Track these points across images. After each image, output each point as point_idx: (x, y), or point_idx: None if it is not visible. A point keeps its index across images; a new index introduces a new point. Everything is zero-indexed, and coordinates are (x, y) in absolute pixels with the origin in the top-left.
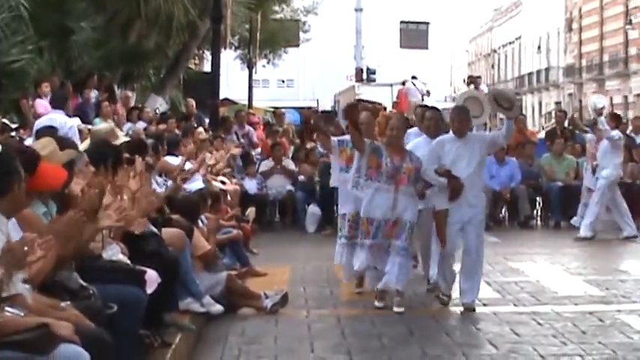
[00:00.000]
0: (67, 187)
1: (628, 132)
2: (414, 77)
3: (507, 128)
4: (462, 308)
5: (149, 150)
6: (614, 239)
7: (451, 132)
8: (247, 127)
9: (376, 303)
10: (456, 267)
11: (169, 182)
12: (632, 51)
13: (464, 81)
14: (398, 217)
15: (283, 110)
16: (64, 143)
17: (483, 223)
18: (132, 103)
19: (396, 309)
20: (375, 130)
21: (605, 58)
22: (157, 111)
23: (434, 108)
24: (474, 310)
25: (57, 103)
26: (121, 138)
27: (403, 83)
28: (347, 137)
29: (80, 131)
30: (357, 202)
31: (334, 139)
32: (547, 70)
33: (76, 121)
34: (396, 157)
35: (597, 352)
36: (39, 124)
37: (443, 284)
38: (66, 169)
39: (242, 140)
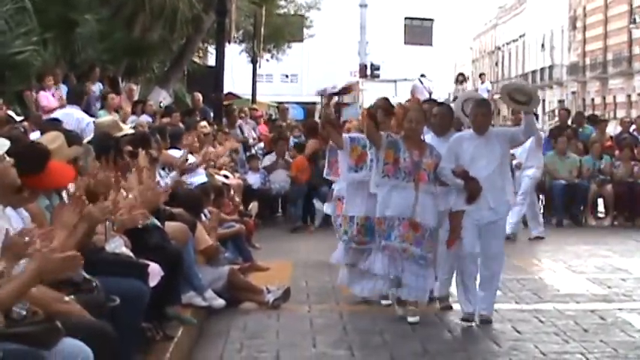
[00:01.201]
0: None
1: (631, 131)
2: (422, 75)
3: (527, 124)
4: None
5: (152, 143)
6: (615, 239)
7: (471, 129)
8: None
9: (399, 310)
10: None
11: (172, 174)
12: (636, 50)
13: (456, 79)
14: (417, 220)
15: (287, 105)
16: (71, 138)
17: (504, 229)
18: (136, 96)
19: (410, 319)
20: (391, 123)
21: (609, 56)
22: (161, 104)
23: (442, 103)
24: (491, 322)
25: (74, 99)
26: (125, 130)
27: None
28: (359, 135)
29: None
30: (369, 205)
31: (346, 135)
32: (551, 68)
33: (88, 117)
34: (415, 151)
35: (599, 350)
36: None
37: (463, 299)
38: (72, 164)
39: (246, 135)
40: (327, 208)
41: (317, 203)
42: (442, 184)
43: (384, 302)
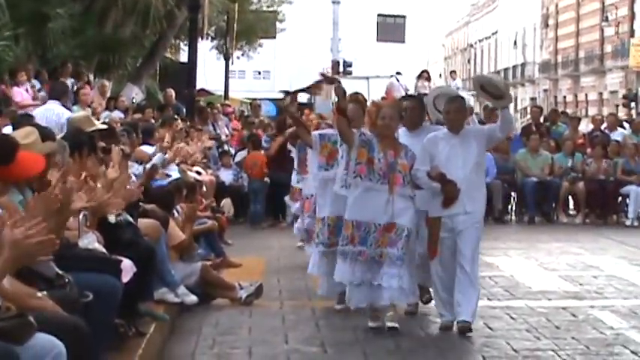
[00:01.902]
0: (44, 175)
1: (603, 128)
2: (398, 73)
3: (503, 119)
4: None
5: (120, 138)
6: (586, 236)
7: (445, 127)
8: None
9: (370, 323)
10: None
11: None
12: (608, 48)
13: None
14: (392, 221)
15: (259, 102)
16: (45, 134)
17: (480, 230)
18: (109, 93)
19: (388, 324)
20: (363, 121)
21: (581, 54)
22: (134, 100)
23: (412, 96)
24: (471, 330)
25: (55, 94)
26: (97, 125)
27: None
28: (329, 131)
29: None
30: (339, 204)
31: (315, 132)
32: (523, 65)
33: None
34: (390, 151)
35: (570, 347)
36: (37, 113)
37: (441, 306)
38: (45, 158)
39: (218, 131)
40: (288, 202)
41: (288, 200)
42: (417, 187)
43: (371, 325)
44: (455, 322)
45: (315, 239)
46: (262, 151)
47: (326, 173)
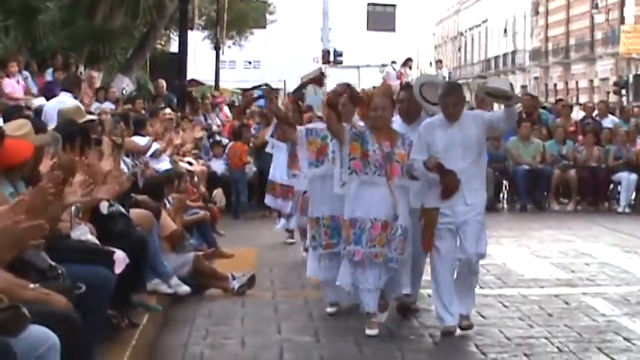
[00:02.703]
0: (37, 167)
1: (594, 116)
2: (393, 62)
3: (509, 115)
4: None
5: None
6: (578, 223)
7: (441, 114)
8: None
9: (368, 331)
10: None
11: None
12: (598, 35)
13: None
14: (393, 215)
15: (251, 92)
16: (37, 126)
17: (482, 224)
18: (98, 84)
19: (368, 331)
20: (354, 114)
21: (572, 41)
22: (124, 91)
23: (408, 85)
24: (471, 327)
25: (67, 86)
26: (87, 117)
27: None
28: (316, 125)
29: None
30: (334, 203)
31: (301, 128)
32: (513, 53)
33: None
34: (385, 142)
35: (563, 334)
36: (49, 106)
37: (441, 310)
38: (37, 152)
39: (209, 122)
40: (267, 199)
41: (268, 201)
42: (413, 178)
43: (369, 332)
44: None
45: (310, 241)
46: (250, 140)
47: (316, 170)
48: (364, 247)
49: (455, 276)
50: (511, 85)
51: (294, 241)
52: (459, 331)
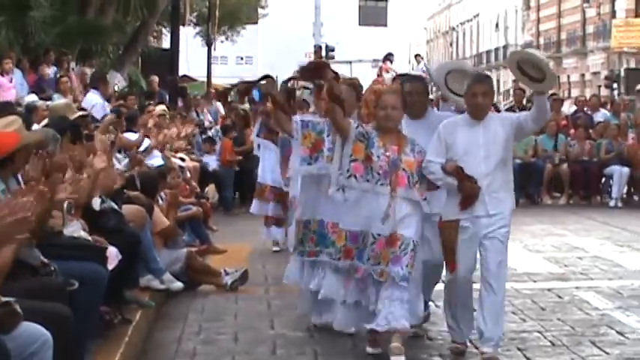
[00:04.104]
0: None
1: (586, 110)
2: (390, 54)
3: (538, 107)
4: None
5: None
6: (570, 218)
7: (466, 112)
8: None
9: (369, 349)
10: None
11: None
12: (590, 29)
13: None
14: (394, 232)
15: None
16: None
17: (507, 237)
18: (89, 80)
19: (394, 358)
20: (355, 110)
21: (563, 36)
22: (116, 88)
23: (417, 77)
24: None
25: (96, 84)
26: (78, 113)
27: (385, 60)
28: (315, 117)
29: (36, 107)
30: (325, 206)
31: (297, 118)
32: (505, 47)
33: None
34: (393, 146)
35: (556, 328)
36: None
37: (453, 327)
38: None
39: (201, 117)
40: (255, 207)
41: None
42: (430, 186)
43: (370, 350)
44: (474, 347)
45: (296, 244)
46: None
47: (308, 168)
48: (366, 263)
49: (479, 299)
50: (548, 64)
51: (281, 249)
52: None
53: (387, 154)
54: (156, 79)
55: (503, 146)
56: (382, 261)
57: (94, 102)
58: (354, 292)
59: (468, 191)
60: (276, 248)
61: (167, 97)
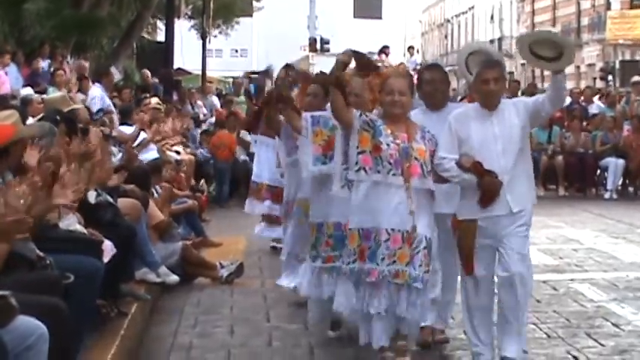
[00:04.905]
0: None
1: (581, 101)
2: (385, 47)
3: (555, 87)
4: None
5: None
6: (566, 210)
7: (477, 102)
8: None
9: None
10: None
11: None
12: (585, 21)
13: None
14: (412, 226)
15: (241, 79)
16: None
17: (526, 237)
18: (86, 73)
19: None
20: (366, 100)
21: (558, 27)
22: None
23: (434, 66)
24: None
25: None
26: (73, 106)
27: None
28: (325, 113)
29: (31, 100)
30: (342, 207)
31: (307, 114)
32: (500, 39)
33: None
34: (402, 134)
35: (551, 320)
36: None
37: (472, 336)
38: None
39: (196, 110)
40: (249, 206)
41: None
42: (441, 181)
43: (331, 333)
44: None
45: (309, 250)
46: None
47: (323, 168)
48: (380, 264)
49: (498, 305)
50: (567, 41)
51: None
52: None
53: (397, 141)
54: (147, 72)
55: (520, 135)
56: (399, 260)
57: (93, 95)
58: (384, 300)
59: (489, 187)
60: (274, 244)
61: (162, 89)
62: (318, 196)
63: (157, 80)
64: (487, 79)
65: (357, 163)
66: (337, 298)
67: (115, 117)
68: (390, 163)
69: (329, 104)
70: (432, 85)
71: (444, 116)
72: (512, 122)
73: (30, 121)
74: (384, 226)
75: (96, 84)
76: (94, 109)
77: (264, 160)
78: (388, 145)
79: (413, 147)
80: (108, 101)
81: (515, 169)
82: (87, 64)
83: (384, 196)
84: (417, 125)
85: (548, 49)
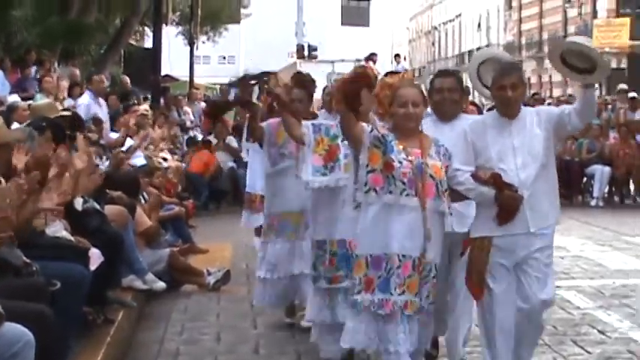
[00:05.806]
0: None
1: None
2: (373, 54)
3: (586, 101)
4: None
5: (85, 125)
6: None
7: (495, 110)
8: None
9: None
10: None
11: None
12: (571, 29)
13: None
14: (423, 251)
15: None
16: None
17: (551, 258)
18: (78, 80)
19: None
20: (370, 113)
21: (545, 35)
22: None
23: (449, 71)
24: None
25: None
26: (60, 112)
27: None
28: (325, 121)
29: (17, 107)
30: (346, 223)
31: (307, 122)
32: (487, 47)
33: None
34: (415, 149)
35: None
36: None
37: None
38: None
39: (183, 117)
40: (245, 219)
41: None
42: (457, 197)
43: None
44: None
45: (310, 270)
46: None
47: (323, 179)
48: (393, 294)
49: (515, 330)
50: (598, 52)
51: None
52: None
53: (410, 158)
54: (126, 78)
55: (544, 147)
56: (409, 290)
57: (80, 102)
58: (402, 336)
59: (508, 202)
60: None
61: (141, 96)
62: (320, 210)
63: (135, 88)
64: (504, 86)
65: (366, 184)
66: (346, 333)
67: (107, 125)
68: (404, 183)
69: (322, 111)
70: (440, 93)
71: (456, 128)
72: (533, 132)
73: (15, 126)
74: (396, 251)
75: (86, 91)
76: (84, 115)
77: (258, 169)
78: (400, 162)
79: (427, 163)
80: (97, 109)
81: (535, 184)
82: (78, 72)
83: (397, 217)
84: (430, 138)
85: (579, 60)
